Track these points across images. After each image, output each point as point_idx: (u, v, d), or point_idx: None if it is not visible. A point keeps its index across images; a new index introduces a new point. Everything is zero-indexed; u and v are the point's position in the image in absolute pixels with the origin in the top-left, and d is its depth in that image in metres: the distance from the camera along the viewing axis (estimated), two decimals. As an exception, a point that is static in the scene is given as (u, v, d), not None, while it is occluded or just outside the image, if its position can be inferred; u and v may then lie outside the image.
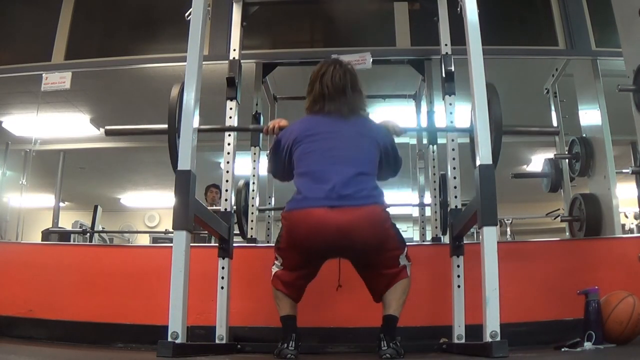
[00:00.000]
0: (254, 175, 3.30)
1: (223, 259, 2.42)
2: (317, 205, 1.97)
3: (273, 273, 2.17)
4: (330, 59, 2.25)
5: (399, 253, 2.12)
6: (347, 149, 2.08)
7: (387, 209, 2.06)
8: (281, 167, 2.19)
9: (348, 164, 2.04)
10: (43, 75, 3.61)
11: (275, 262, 2.18)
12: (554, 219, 4.14)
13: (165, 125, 2.15)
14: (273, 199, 3.80)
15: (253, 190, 3.28)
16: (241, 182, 3.39)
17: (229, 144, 2.57)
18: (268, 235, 3.62)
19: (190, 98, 2.02)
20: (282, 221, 2.11)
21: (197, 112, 2.05)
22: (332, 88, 2.14)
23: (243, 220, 3.27)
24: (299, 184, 2.08)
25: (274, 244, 2.23)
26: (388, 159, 2.19)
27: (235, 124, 2.60)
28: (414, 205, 3.99)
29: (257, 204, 3.27)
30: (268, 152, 2.31)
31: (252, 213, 3.23)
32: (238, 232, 3.20)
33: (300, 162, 2.10)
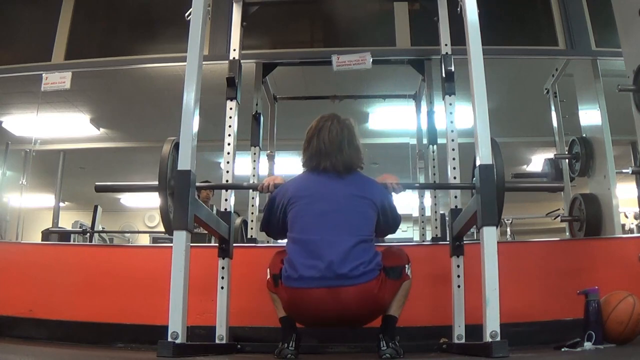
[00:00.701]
0: (253, 175, 3.30)
1: (223, 259, 2.42)
2: (314, 286, 1.96)
3: (267, 277, 2.14)
4: (328, 114, 2.22)
5: (405, 274, 2.11)
6: (342, 212, 2.05)
7: (381, 270, 2.02)
8: (275, 224, 2.16)
9: (343, 232, 2.01)
10: (43, 75, 3.60)
11: (272, 283, 2.12)
12: (554, 219, 4.14)
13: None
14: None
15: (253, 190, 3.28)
16: (238, 220, 3.35)
17: (229, 144, 2.57)
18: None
19: (190, 98, 2.01)
20: (280, 292, 2.05)
21: (197, 113, 2.04)
22: (329, 143, 2.12)
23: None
24: (293, 253, 2.03)
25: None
26: (386, 218, 2.16)
27: (235, 124, 2.60)
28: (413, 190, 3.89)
29: (257, 204, 3.26)
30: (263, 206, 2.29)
31: (252, 213, 3.23)
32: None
33: (294, 225, 2.07)
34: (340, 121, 2.18)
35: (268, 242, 3.49)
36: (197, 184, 2.02)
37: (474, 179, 2.03)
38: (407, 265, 2.13)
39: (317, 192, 2.10)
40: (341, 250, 1.97)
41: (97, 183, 2.29)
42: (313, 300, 1.96)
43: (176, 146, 2.03)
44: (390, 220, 2.18)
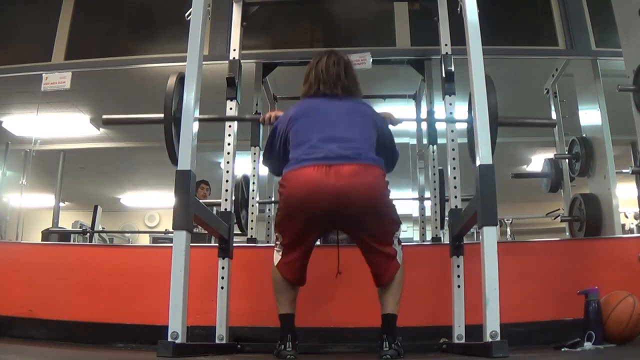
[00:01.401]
0: (254, 175, 3.30)
1: (223, 259, 2.42)
2: (315, 164, 1.97)
3: (275, 255, 2.14)
4: (325, 50, 2.28)
5: (395, 228, 2.10)
6: (344, 124, 2.09)
7: (387, 180, 2.05)
8: (276, 153, 2.19)
9: (347, 133, 2.05)
10: (43, 75, 3.60)
11: (277, 242, 2.15)
12: (554, 219, 4.14)
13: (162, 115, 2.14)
14: (273, 198, 3.80)
15: (253, 190, 3.28)
16: (239, 176, 3.38)
17: (229, 144, 2.57)
18: (268, 235, 3.62)
19: (190, 98, 2.02)
20: (279, 189, 2.08)
21: (197, 113, 2.05)
22: (327, 74, 2.18)
23: (242, 214, 3.27)
24: (295, 153, 2.06)
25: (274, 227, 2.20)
26: (385, 143, 2.18)
27: (235, 124, 2.60)
28: (413, 199, 3.94)
29: (256, 204, 3.26)
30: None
31: (252, 213, 3.23)
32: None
33: (296, 135, 2.10)
34: (337, 54, 2.24)
35: (268, 242, 3.49)
36: (200, 116, 2.07)
37: (475, 180, 2.02)
38: (398, 225, 2.12)
39: (318, 109, 2.14)
40: (342, 143, 2.00)
41: (104, 116, 2.39)
42: (311, 176, 1.96)
43: (181, 80, 2.09)
44: (389, 148, 2.21)
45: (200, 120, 2.10)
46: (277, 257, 2.14)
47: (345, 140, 2.03)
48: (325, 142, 2.02)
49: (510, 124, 2.39)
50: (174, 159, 2.02)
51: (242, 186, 3.35)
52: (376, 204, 2.01)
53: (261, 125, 3.35)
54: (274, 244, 2.18)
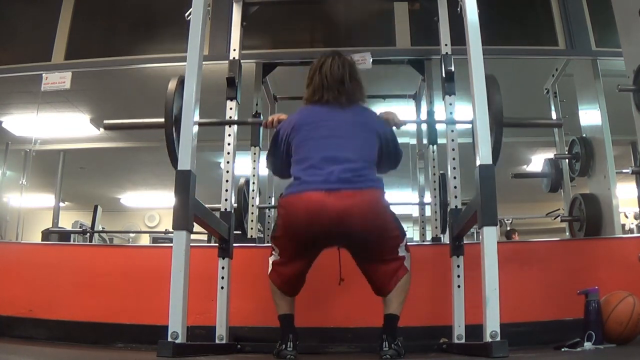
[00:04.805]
0: (254, 175, 3.30)
1: (223, 259, 2.42)
2: (315, 189, 1.96)
3: (270, 264, 2.15)
4: (329, 51, 2.26)
5: (399, 242, 2.10)
6: (346, 137, 2.08)
7: (387, 198, 2.05)
8: (279, 158, 2.18)
9: (347, 151, 2.04)
10: (43, 75, 3.61)
11: (273, 252, 2.16)
12: (554, 219, 4.14)
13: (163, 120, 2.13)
14: (273, 198, 3.80)
15: (253, 190, 3.28)
16: (242, 180, 3.38)
17: (229, 144, 2.57)
18: (268, 236, 3.62)
19: (190, 98, 2.02)
20: (278, 209, 2.10)
21: (197, 113, 2.05)
22: (331, 78, 2.15)
23: (244, 218, 3.27)
24: (297, 170, 2.06)
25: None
26: (388, 149, 2.18)
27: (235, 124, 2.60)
28: (413, 204, 3.96)
29: (257, 203, 3.27)
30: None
31: (252, 213, 3.23)
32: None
33: (299, 149, 2.09)
34: (341, 56, 2.21)
35: (268, 242, 3.49)
36: (200, 120, 2.06)
37: (475, 180, 2.02)
38: (405, 245, 2.13)
39: (321, 119, 2.12)
40: (345, 163, 1.99)
41: (105, 121, 2.36)
42: (313, 201, 1.95)
43: (182, 83, 2.08)
44: (392, 151, 2.20)
45: (201, 124, 2.10)
46: (270, 267, 2.15)
47: (347, 160, 2.01)
48: (327, 163, 2.00)
49: (516, 124, 2.38)
50: (175, 164, 2.01)
51: (244, 191, 3.34)
52: (377, 227, 2.01)
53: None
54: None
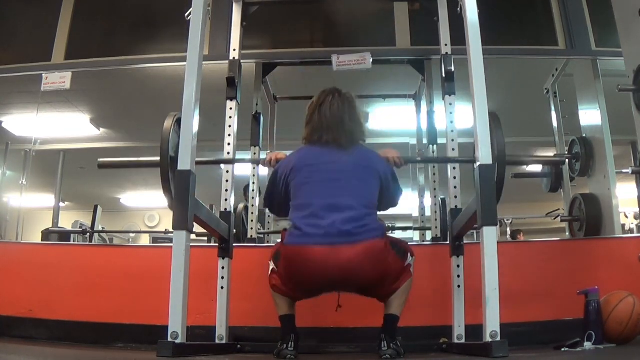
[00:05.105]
0: (254, 175, 3.30)
1: (223, 259, 2.42)
2: (317, 243, 1.94)
3: (270, 270, 2.15)
4: (329, 89, 2.22)
5: (402, 264, 2.10)
6: (346, 180, 2.04)
7: (386, 236, 2.04)
8: (277, 198, 2.15)
9: (348, 197, 2.00)
10: (43, 75, 3.60)
11: (272, 262, 2.16)
12: (554, 219, 4.14)
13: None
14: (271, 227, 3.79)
15: (253, 190, 3.28)
16: (241, 206, 3.35)
17: (229, 144, 2.57)
18: (268, 235, 3.62)
19: (190, 98, 2.01)
20: (280, 256, 2.06)
21: (197, 113, 2.04)
22: (331, 117, 2.12)
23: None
24: (297, 218, 2.02)
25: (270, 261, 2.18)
26: (389, 189, 2.15)
27: (235, 124, 2.61)
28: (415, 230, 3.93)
29: (257, 204, 3.27)
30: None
31: (252, 213, 3.23)
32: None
33: (298, 193, 2.06)
34: (342, 95, 2.18)
35: (268, 242, 3.49)
36: (197, 159, 2.02)
37: (475, 180, 2.02)
38: (409, 254, 2.13)
39: (321, 161, 2.09)
40: (345, 212, 1.97)
41: (99, 160, 2.30)
42: (315, 258, 1.94)
43: (178, 121, 2.05)
44: (392, 190, 2.18)
45: (199, 163, 2.04)
46: (270, 271, 2.15)
47: (348, 208, 1.98)
48: (328, 211, 1.97)
49: (519, 162, 2.35)
50: (172, 202, 1.96)
51: (242, 217, 3.32)
52: (379, 274, 2.02)
53: (261, 125, 3.36)
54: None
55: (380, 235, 2.00)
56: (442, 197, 3.26)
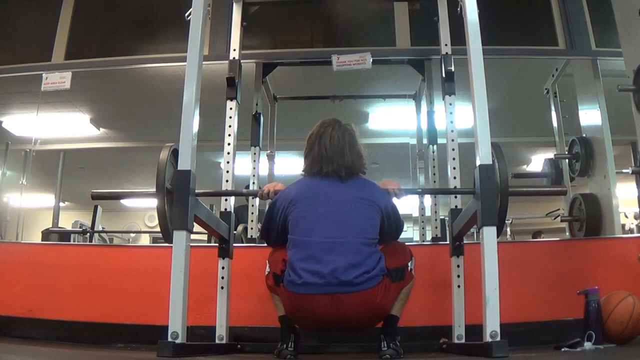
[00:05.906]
0: (254, 175, 3.30)
1: (223, 259, 2.42)
2: (317, 293, 1.92)
3: (267, 272, 2.15)
4: (329, 120, 2.20)
5: (403, 283, 2.09)
6: (346, 214, 2.02)
7: (386, 273, 2.01)
8: (274, 230, 2.12)
9: (348, 234, 1.98)
10: (43, 75, 3.60)
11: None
12: (554, 219, 4.14)
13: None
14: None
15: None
16: (240, 228, 3.35)
17: (229, 144, 2.58)
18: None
19: (190, 98, 2.01)
20: (281, 295, 2.04)
21: (197, 113, 2.05)
22: (331, 149, 2.10)
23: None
24: (295, 259, 1.98)
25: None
26: (389, 222, 2.12)
27: (235, 124, 2.61)
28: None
29: (257, 204, 3.27)
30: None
31: (252, 213, 3.23)
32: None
33: (296, 227, 2.03)
34: (342, 126, 2.16)
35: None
36: (197, 190, 1.99)
37: (475, 180, 2.02)
38: (409, 263, 2.12)
39: (320, 194, 2.07)
40: (344, 255, 1.94)
41: (93, 191, 2.27)
42: (315, 307, 1.94)
43: (174, 152, 2.02)
44: (393, 224, 2.15)
45: (198, 195, 2.00)
46: (267, 274, 2.14)
47: (348, 250, 1.95)
48: (327, 253, 1.94)
49: (521, 193, 2.33)
50: (168, 235, 1.92)
51: (242, 238, 3.32)
52: (379, 318, 2.05)
53: (261, 125, 3.36)
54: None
55: (379, 282, 1.97)
56: (442, 216, 3.26)
